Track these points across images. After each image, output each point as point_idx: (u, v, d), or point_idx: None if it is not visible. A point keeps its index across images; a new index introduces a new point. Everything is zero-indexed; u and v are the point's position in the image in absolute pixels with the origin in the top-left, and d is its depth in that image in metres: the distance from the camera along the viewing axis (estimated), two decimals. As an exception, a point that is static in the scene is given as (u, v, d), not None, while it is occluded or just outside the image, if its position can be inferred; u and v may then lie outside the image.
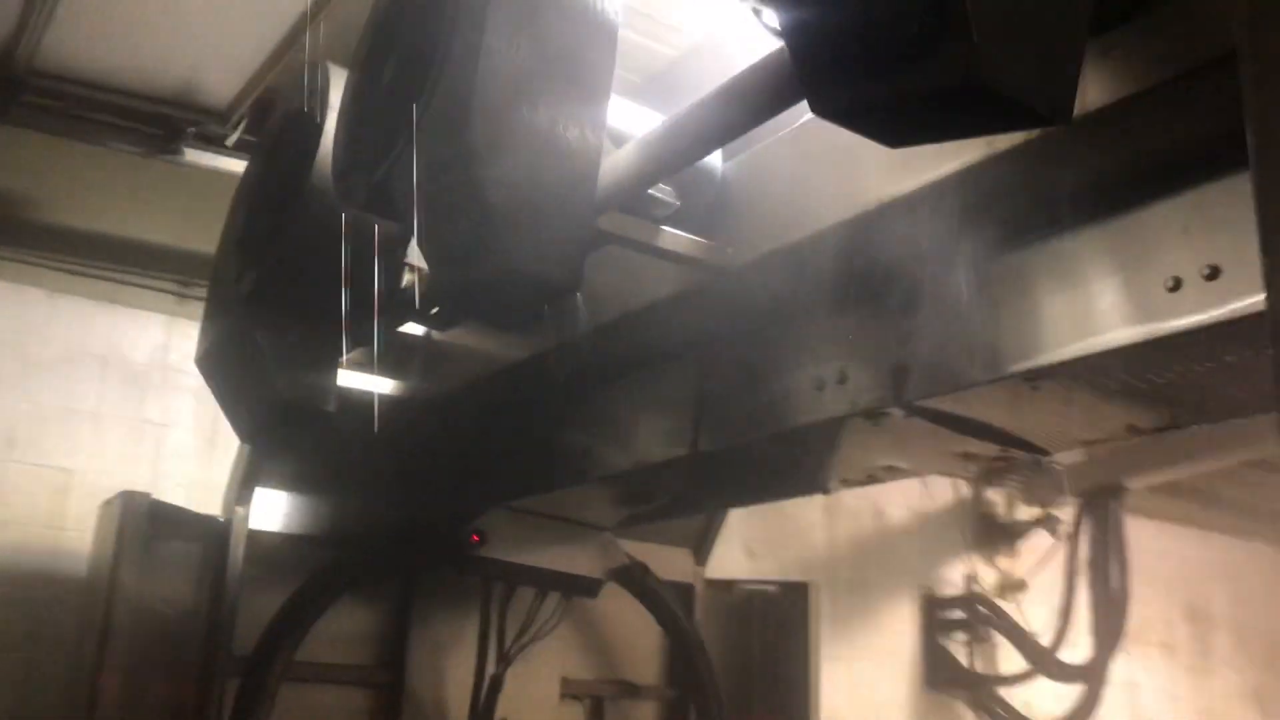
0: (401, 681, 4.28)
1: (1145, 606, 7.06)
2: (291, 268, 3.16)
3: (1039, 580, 7.48)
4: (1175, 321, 2.23)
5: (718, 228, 2.93)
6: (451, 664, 4.38)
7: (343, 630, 4.22)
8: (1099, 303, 2.35)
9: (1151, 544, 7.02)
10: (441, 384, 3.90)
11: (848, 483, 3.41)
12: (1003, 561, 7.64)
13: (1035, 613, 7.36)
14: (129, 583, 3.69)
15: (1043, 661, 6.92)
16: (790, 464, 3.33)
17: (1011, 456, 2.98)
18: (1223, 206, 2.20)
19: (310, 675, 4.09)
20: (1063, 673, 6.92)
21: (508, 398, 3.85)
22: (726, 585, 4.96)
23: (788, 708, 4.69)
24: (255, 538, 4.05)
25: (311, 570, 4.07)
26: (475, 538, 3.97)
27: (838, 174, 2.67)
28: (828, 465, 3.31)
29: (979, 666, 7.19)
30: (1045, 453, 2.93)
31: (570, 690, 4.59)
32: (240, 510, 4.03)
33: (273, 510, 4.14)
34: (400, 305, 3.22)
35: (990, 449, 2.94)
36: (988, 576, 7.50)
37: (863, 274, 2.78)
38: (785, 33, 1.72)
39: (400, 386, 3.82)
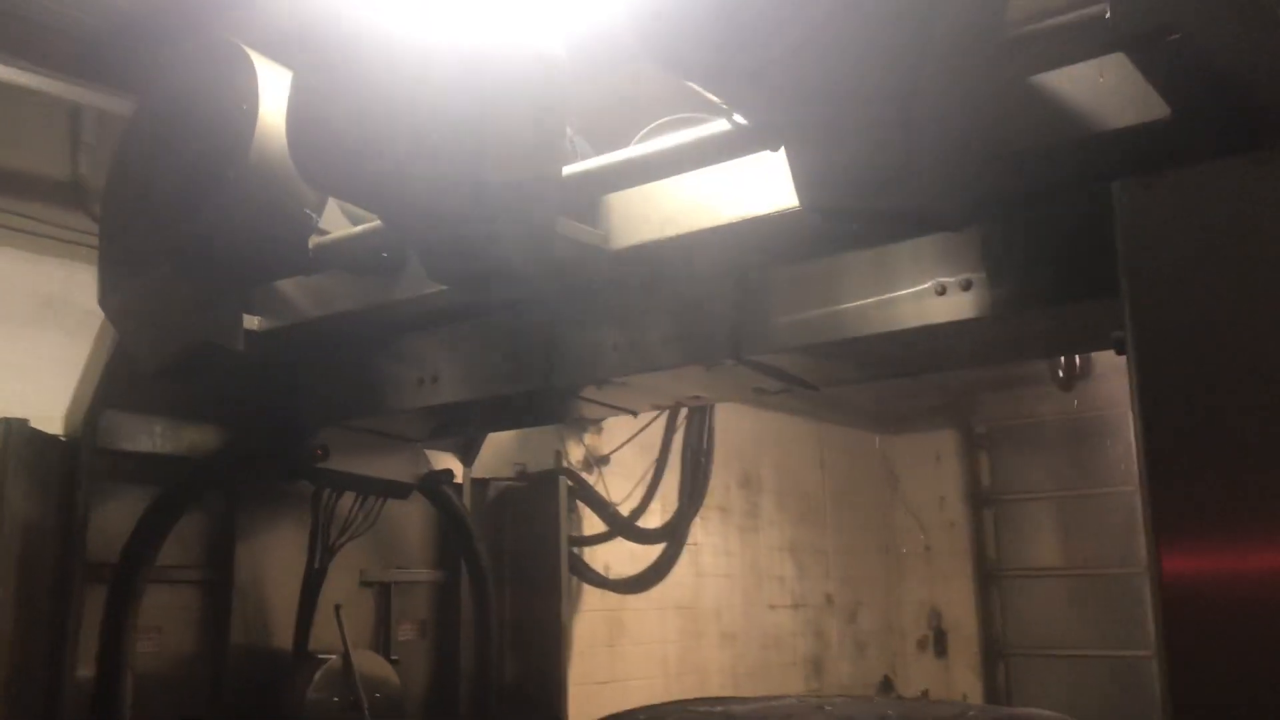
0: (230, 579, 4.82)
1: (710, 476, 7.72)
2: (221, 231, 3.66)
3: (620, 455, 8.37)
4: (940, 315, 3.47)
5: (597, 219, 3.81)
6: (274, 561, 4.98)
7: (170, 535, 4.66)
8: (891, 297, 3.56)
9: (717, 421, 7.61)
10: (291, 318, 4.46)
11: (656, 408, 4.48)
12: (589, 439, 8.55)
13: (617, 484, 8.18)
14: (16, 506, 4.02)
15: (620, 526, 7.47)
16: (614, 394, 4.32)
17: (790, 390, 4.18)
18: (970, 245, 3.45)
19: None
20: (641, 536, 7.56)
21: (359, 333, 4.50)
22: (485, 482, 5.87)
23: (540, 583, 5.74)
24: (102, 455, 4.41)
25: (160, 483, 4.51)
26: (319, 452, 4.61)
27: (696, 198, 3.65)
28: (646, 395, 4.36)
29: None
30: (816, 389, 4.16)
31: (365, 579, 5.34)
32: (89, 430, 4.36)
33: (119, 430, 4.49)
34: (305, 263, 3.86)
35: (778, 385, 4.11)
36: (575, 452, 8.31)
37: (710, 268, 3.81)
38: (792, 163, 2.67)
39: (255, 321, 4.33)
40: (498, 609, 5.54)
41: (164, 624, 4.60)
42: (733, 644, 10.14)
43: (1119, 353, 3.29)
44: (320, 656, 4.85)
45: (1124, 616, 10.85)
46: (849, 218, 2.72)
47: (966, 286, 3.43)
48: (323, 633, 4.95)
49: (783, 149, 2.82)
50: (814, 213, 2.72)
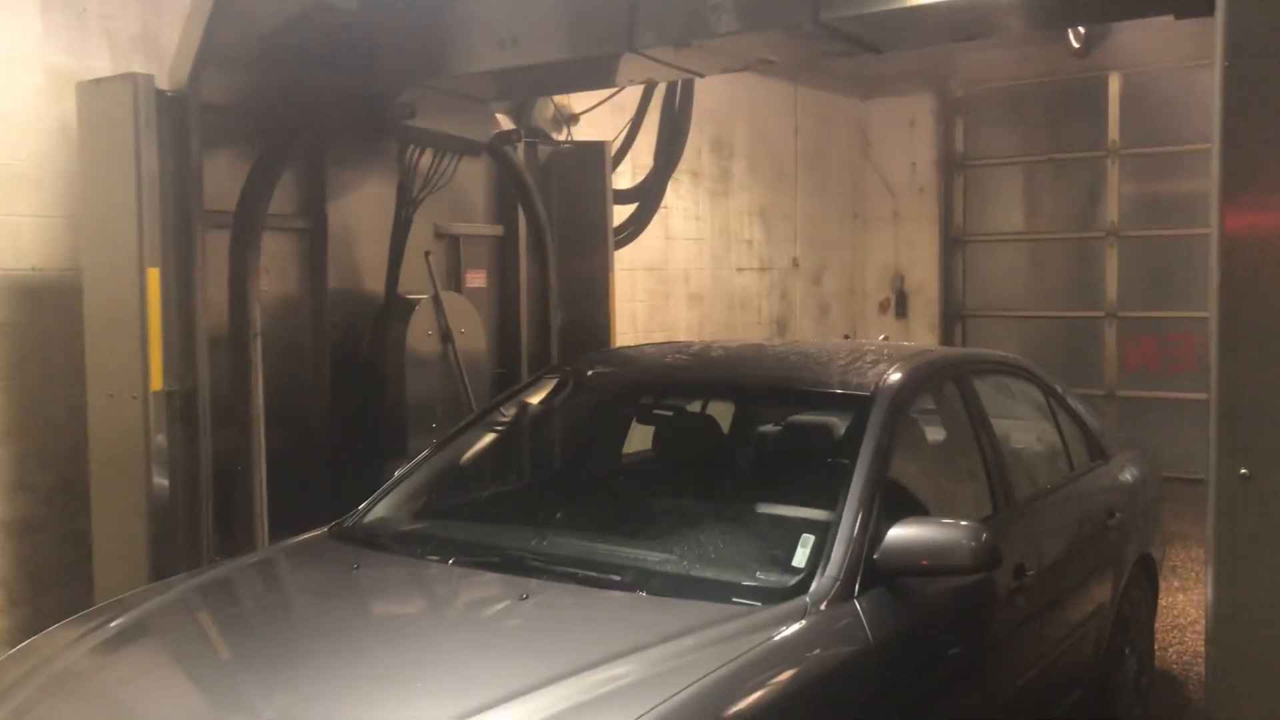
0: (324, 226, 5.26)
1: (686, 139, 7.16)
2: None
3: (592, 116, 7.80)
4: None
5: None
6: (361, 211, 5.41)
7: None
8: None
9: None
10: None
11: (726, 69, 4.83)
12: (558, 97, 8.31)
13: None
14: (149, 162, 4.39)
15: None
16: (688, 57, 4.65)
17: (852, 53, 4.54)
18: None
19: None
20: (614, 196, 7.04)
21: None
22: (534, 145, 6.23)
23: (587, 240, 6.27)
24: (208, 110, 4.70)
25: (260, 137, 4.86)
26: (408, 110, 4.95)
27: None
28: (718, 58, 4.69)
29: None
30: (879, 51, 4.52)
31: (439, 232, 5.81)
32: (194, 85, 4.62)
33: (222, 85, 4.77)
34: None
35: (844, 48, 4.47)
36: (544, 110, 7.55)
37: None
38: None
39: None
40: (548, 262, 6.05)
41: (269, 266, 5.05)
42: (700, 304, 10.35)
43: (1178, 17, 3.71)
44: (410, 297, 5.38)
45: (1082, 279, 11.55)
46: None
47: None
48: (405, 277, 5.47)
49: None
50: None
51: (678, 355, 4.58)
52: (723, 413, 4.31)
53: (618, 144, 7.43)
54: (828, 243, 12.48)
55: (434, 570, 3.35)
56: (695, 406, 4.36)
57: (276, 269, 5.16)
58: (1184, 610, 6.45)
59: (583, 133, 7.62)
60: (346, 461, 5.23)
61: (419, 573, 3.39)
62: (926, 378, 3.95)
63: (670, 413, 4.39)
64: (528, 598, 3.00)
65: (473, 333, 5.59)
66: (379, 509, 3.84)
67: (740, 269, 11.02)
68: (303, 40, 4.59)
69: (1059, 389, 4.92)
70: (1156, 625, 5.41)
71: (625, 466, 4.37)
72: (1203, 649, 2.94)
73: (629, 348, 5.19)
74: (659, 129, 6.85)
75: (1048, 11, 4.06)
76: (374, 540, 3.61)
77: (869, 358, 4.01)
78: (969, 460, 3.95)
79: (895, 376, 3.70)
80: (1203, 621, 2.98)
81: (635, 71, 4.99)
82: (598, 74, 5.12)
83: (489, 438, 4.23)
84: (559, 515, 3.67)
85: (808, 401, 3.94)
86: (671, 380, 4.36)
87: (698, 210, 10.19)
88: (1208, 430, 2.72)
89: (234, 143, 4.90)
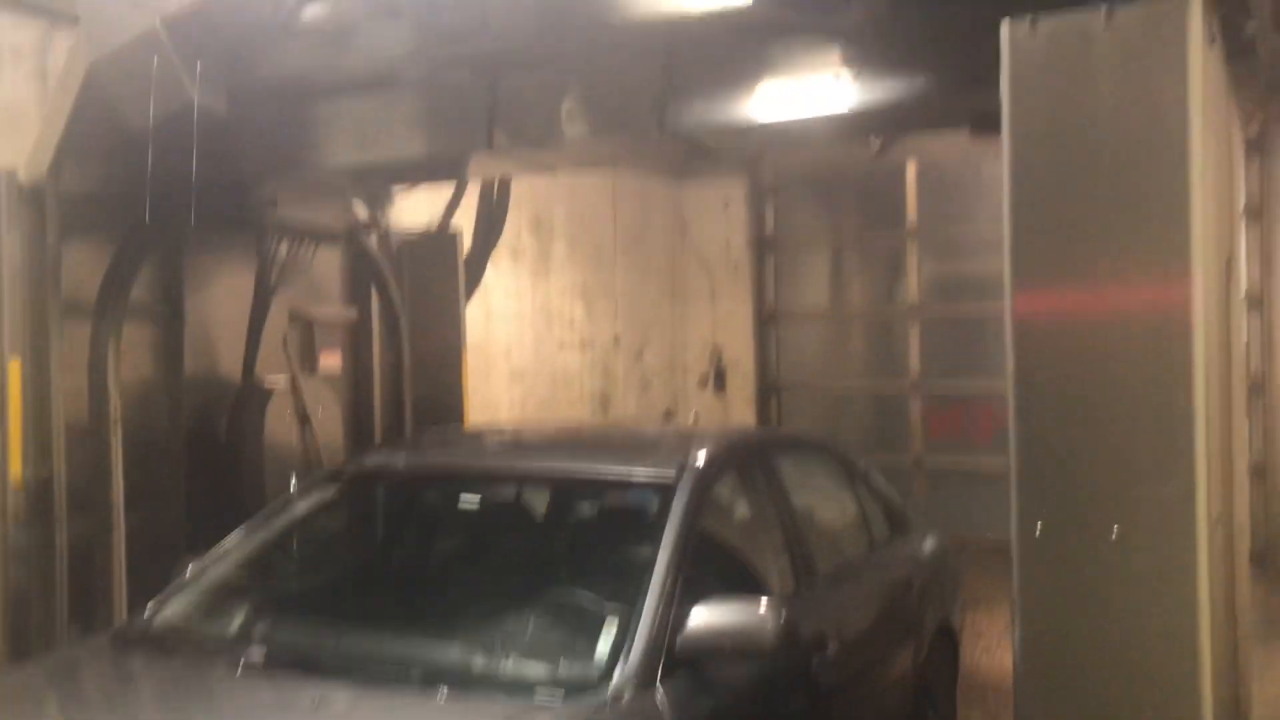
0: (182, 313, 5.36)
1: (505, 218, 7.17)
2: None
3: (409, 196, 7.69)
4: (837, 101, 4.33)
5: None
6: (219, 297, 5.53)
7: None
8: (797, 83, 4.37)
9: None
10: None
11: (579, 166, 5.21)
12: None
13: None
14: (9, 253, 4.45)
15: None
16: (545, 156, 5.02)
17: (694, 154, 5.00)
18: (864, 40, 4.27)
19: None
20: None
21: (307, 92, 4.96)
22: (387, 232, 6.47)
23: (440, 321, 6.51)
24: (67, 201, 4.79)
25: (120, 228, 4.95)
26: (271, 202, 5.14)
27: None
28: (571, 158, 5.07)
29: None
30: (714, 152, 5.00)
31: (295, 316, 5.96)
32: (54, 178, 4.72)
33: (83, 178, 4.86)
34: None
35: (686, 150, 4.93)
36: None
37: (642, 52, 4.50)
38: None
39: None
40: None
41: (127, 353, 5.11)
42: (522, 381, 10.43)
43: (973, 134, 4.29)
44: (268, 381, 5.51)
45: (887, 353, 12.23)
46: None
47: (857, 76, 4.30)
48: (261, 359, 5.60)
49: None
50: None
51: (491, 442, 4.56)
52: (534, 500, 4.26)
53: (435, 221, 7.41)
54: (648, 320, 12.68)
55: (221, 676, 3.16)
56: (507, 494, 4.28)
57: (135, 356, 5.22)
58: (988, 673, 6.53)
59: (401, 213, 7.29)
60: (206, 546, 5.27)
61: (203, 679, 3.18)
62: (729, 461, 4.02)
63: (477, 504, 4.32)
64: (318, 704, 2.88)
65: (329, 413, 5.76)
66: (167, 610, 3.58)
67: (562, 346, 11.13)
68: (168, 136, 4.74)
69: (860, 464, 5.07)
70: (960, 689, 5.52)
71: (430, 560, 4.26)
72: (1006, 710, 3.36)
73: (441, 432, 5.26)
74: (478, 210, 6.97)
75: (854, 126, 4.59)
76: (160, 644, 3.39)
77: (675, 441, 4.19)
78: (772, 538, 4.02)
79: (698, 461, 3.75)
80: (1007, 683, 3.34)
81: (492, 167, 5.31)
82: (455, 169, 5.43)
83: (288, 533, 4.01)
84: (359, 613, 3.55)
85: (613, 489, 3.95)
86: (480, 470, 4.28)
87: (519, 288, 10.25)
88: (1009, 492, 3.20)
89: (95, 232, 4.98)
